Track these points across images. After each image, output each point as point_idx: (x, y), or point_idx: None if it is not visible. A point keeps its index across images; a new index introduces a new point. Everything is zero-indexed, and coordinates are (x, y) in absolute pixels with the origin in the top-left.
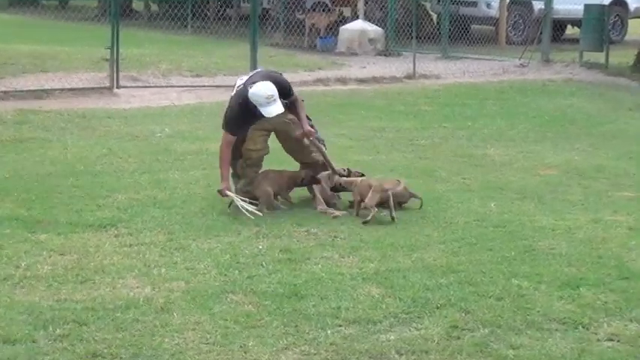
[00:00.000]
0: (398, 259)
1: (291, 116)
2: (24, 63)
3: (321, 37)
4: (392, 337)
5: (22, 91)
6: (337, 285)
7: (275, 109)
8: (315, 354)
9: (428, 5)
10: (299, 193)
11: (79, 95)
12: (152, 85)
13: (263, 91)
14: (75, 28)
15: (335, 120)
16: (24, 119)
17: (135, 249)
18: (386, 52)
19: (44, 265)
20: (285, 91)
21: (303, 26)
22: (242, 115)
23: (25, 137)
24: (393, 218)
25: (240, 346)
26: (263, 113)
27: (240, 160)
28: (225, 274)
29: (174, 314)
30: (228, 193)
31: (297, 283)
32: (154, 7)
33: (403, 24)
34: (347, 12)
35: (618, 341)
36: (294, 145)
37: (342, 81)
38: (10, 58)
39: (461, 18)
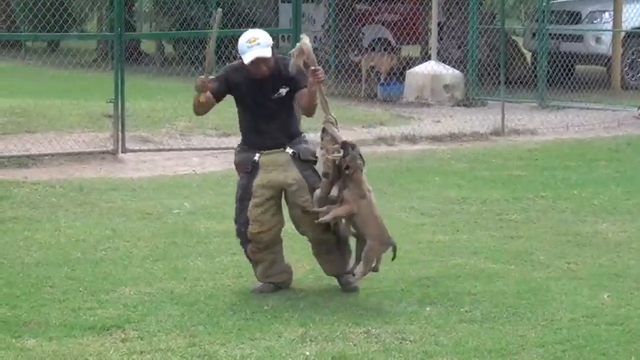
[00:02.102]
0: None
1: (297, 176)
2: (3, 122)
3: (382, 84)
4: None
5: (1, 157)
6: None
7: (255, 52)
8: None
9: (520, 41)
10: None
11: (74, 162)
12: (167, 147)
13: (246, 35)
14: (68, 76)
15: (402, 189)
16: (5, 193)
17: (147, 357)
18: (466, 102)
19: None
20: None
21: (360, 70)
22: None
23: (7, 216)
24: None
25: None
26: (243, 60)
27: (249, 244)
28: None
29: None
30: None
31: None
32: (169, 49)
33: (488, 65)
34: (415, 51)
35: None
36: (299, 214)
37: (411, 139)
38: None
39: (563, 56)
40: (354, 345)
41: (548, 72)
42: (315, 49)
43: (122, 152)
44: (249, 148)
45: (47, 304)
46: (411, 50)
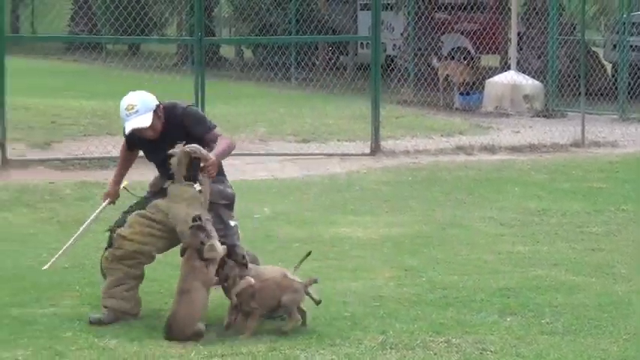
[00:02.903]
0: None
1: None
2: (85, 124)
3: (461, 93)
4: None
5: (83, 159)
6: None
7: (133, 123)
8: None
9: (600, 53)
10: None
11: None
12: (246, 152)
13: (124, 102)
14: (149, 79)
15: (481, 199)
16: (87, 194)
17: None
18: (546, 113)
19: None
20: (182, 121)
21: (439, 78)
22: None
23: (88, 217)
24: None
25: None
26: (125, 129)
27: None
28: None
29: None
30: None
31: None
32: (248, 54)
33: (568, 76)
34: (494, 61)
35: None
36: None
37: (490, 149)
38: (69, 118)
39: None
40: (435, 354)
41: (629, 84)
42: (394, 57)
43: None
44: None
45: None
46: (490, 60)
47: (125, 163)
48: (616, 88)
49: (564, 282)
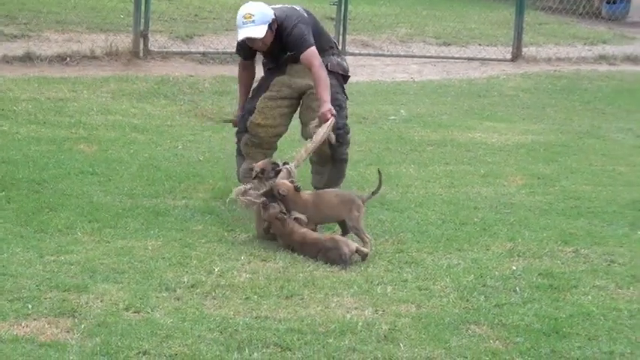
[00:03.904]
0: None
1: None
2: (228, 18)
3: (608, 1)
4: None
5: (224, 53)
6: (611, 324)
7: (246, 32)
8: None
9: None
10: None
11: None
12: (387, 53)
13: (243, 9)
14: None
15: (620, 110)
16: (225, 88)
17: (355, 259)
18: None
19: (242, 272)
20: (287, 42)
21: None
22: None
23: (226, 111)
24: None
25: None
26: (238, 36)
27: (246, 134)
28: (468, 300)
29: (401, 345)
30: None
31: (560, 318)
32: None
33: None
34: None
35: None
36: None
37: (633, 60)
38: (211, 12)
39: None
40: (562, 263)
41: None
42: None
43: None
44: None
45: None
46: None
47: (245, 88)
48: None
49: None
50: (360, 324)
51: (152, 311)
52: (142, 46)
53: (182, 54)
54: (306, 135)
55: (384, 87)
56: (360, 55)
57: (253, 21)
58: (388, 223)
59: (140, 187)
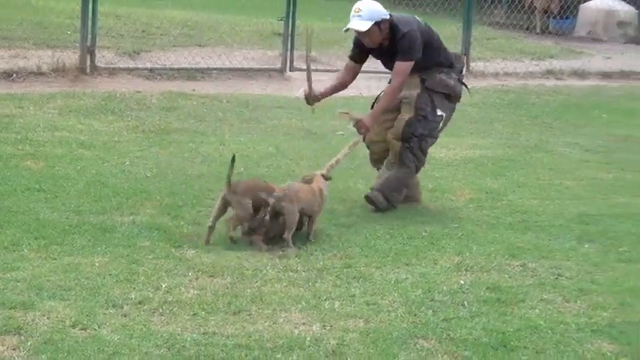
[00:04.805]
0: None
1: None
2: (175, 34)
3: (554, 17)
4: None
5: (171, 69)
6: (559, 337)
7: (352, 24)
8: None
9: None
10: None
11: (242, 77)
12: (335, 68)
13: (357, 3)
14: None
15: (567, 125)
16: (173, 105)
17: (303, 275)
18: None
19: (189, 288)
20: (396, 44)
21: (532, 1)
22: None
23: (173, 128)
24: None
25: None
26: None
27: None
28: (416, 314)
29: None
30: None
31: (507, 332)
32: None
33: None
34: None
35: None
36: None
37: (580, 75)
38: (159, 28)
39: None
40: (510, 277)
41: None
42: None
43: (290, 71)
44: None
45: (208, 217)
46: None
47: (336, 81)
48: None
49: None
50: (308, 339)
51: (99, 328)
52: (88, 62)
53: (129, 70)
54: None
55: (333, 102)
56: None
57: (360, 15)
58: (336, 237)
59: (87, 203)
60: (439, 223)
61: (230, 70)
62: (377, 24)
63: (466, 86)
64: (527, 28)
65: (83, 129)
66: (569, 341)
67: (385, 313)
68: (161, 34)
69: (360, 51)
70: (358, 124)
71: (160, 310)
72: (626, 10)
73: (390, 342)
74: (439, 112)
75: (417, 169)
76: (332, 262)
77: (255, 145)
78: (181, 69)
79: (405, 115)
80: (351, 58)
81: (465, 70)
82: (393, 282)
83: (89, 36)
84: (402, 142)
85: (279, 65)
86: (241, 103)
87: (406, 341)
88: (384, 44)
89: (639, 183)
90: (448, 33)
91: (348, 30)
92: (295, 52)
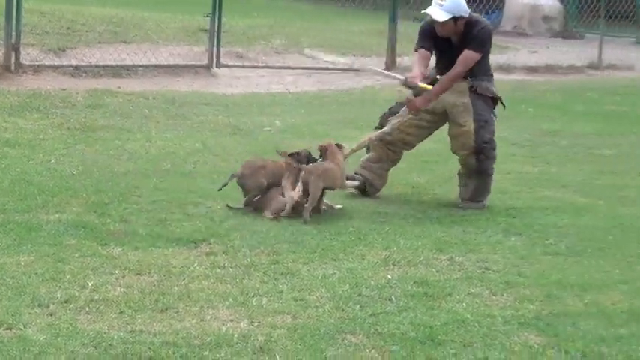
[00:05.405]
0: (566, 300)
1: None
2: (100, 31)
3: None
4: None
5: (97, 66)
6: (486, 330)
7: (431, 10)
8: None
9: None
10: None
11: (168, 74)
12: (261, 65)
13: None
14: None
15: None
16: (98, 102)
17: (230, 272)
18: (564, 34)
19: (116, 286)
20: (471, 36)
21: None
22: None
23: (99, 125)
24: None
25: None
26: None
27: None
28: (343, 309)
29: (277, 356)
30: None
31: (435, 325)
32: None
33: None
34: None
35: None
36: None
37: (506, 69)
38: (84, 25)
39: None
40: (437, 271)
41: None
42: None
43: (216, 67)
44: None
45: (134, 214)
46: None
47: (420, 61)
48: (635, 10)
49: (571, 203)
50: (235, 336)
51: (25, 327)
52: (13, 59)
53: (54, 67)
54: (454, 149)
55: (259, 98)
56: (235, 67)
57: (442, 5)
58: (263, 233)
59: (12, 202)
60: (366, 219)
61: (156, 66)
62: (454, 18)
63: (501, 100)
64: None
65: (8, 127)
66: (496, 334)
67: (313, 309)
68: (86, 31)
69: (427, 40)
70: (409, 104)
71: (87, 309)
72: (551, 4)
73: (318, 337)
74: (493, 116)
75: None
76: (259, 258)
77: (182, 142)
78: (107, 66)
79: (461, 120)
80: (423, 47)
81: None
82: (320, 277)
83: (14, 33)
84: (477, 155)
85: (205, 61)
86: (167, 99)
87: (334, 336)
88: (453, 39)
89: (564, 176)
90: (375, 28)
91: (425, 14)
92: (222, 49)
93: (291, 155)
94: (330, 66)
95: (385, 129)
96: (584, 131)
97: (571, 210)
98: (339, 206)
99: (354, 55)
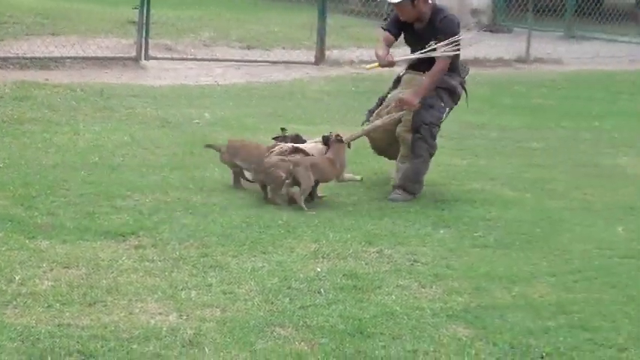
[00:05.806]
0: (494, 293)
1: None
2: (28, 23)
3: None
4: None
5: (24, 58)
6: (414, 322)
7: None
8: None
9: None
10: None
11: (96, 67)
12: (190, 57)
13: None
14: None
15: None
16: (26, 94)
17: (159, 265)
18: (493, 28)
19: (44, 280)
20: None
21: None
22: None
23: (27, 117)
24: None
25: None
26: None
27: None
28: (272, 302)
29: (206, 349)
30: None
31: (364, 318)
32: None
33: None
34: None
35: None
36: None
37: None
38: (11, 16)
39: None
40: (366, 264)
41: (577, 2)
42: None
43: (145, 59)
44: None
45: (62, 207)
46: None
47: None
48: (563, 5)
49: (499, 196)
50: (164, 329)
51: None
52: None
53: None
54: (398, 131)
55: (188, 91)
56: (163, 59)
57: None
58: (192, 227)
59: None
60: (295, 211)
61: (84, 59)
62: (412, 1)
63: (466, 93)
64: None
65: None
66: (424, 326)
67: (242, 302)
68: (14, 23)
69: (395, 26)
70: (401, 103)
71: (14, 303)
72: None
73: (247, 330)
74: (442, 104)
75: (431, 156)
76: (188, 251)
77: (110, 135)
78: (34, 58)
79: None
80: (389, 31)
81: (466, 75)
82: (249, 271)
83: None
84: (414, 133)
85: (133, 54)
86: (96, 92)
87: (263, 329)
88: (416, 26)
89: (493, 169)
90: (304, 21)
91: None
92: (151, 41)
93: (276, 138)
94: (259, 58)
95: (377, 122)
96: (512, 124)
97: (499, 203)
98: (358, 177)
99: (284, 48)
